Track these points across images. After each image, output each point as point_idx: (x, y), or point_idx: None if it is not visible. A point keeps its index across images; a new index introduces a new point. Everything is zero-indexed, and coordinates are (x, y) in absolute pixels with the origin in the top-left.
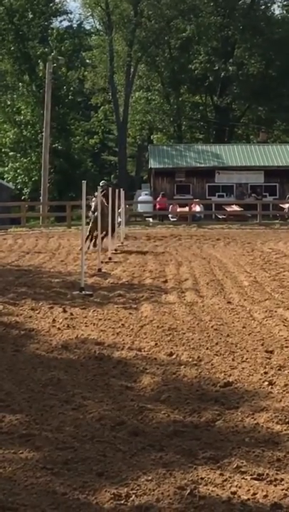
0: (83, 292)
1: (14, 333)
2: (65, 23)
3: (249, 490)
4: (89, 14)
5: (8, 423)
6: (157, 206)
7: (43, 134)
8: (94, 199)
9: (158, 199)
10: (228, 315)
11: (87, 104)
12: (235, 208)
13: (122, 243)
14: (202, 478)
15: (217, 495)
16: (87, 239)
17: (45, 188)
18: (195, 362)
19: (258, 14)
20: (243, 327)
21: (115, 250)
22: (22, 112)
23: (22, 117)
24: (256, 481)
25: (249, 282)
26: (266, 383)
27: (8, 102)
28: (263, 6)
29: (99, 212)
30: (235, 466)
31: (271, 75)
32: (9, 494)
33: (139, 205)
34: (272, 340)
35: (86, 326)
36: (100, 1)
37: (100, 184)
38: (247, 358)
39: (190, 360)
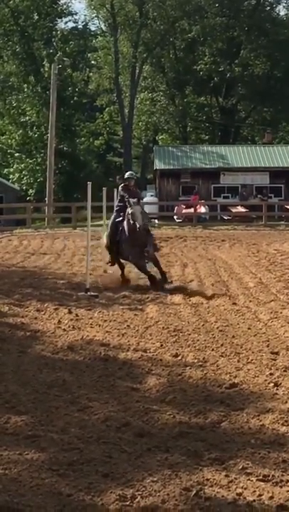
0: (88, 293)
1: (20, 335)
2: (71, 25)
3: (255, 491)
4: (94, 15)
5: (13, 424)
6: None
7: (48, 135)
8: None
9: (192, 197)
10: (233, 316)
11: (93, 105)
12: (241, 209)
13: None
14: (208, 480)
15: (223, 496)
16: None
17: (51, 189)
18: (200, 363)
19: (263, 15)
20: (249, 328)
21: None
22: (27, 113)
23: (27, 118)
24: (262, 483)
25: (254, 283)
26: (272, 384)
27: (14, 104)
28: (268, 7)
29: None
30: (240, 467)
31: (276, 75)
32: (15, 495)
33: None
34: (278, 342)
35: (91, 327)
36: (105, 3)
37: (127, 176)
38: (252, 360)
39: (195, 361)
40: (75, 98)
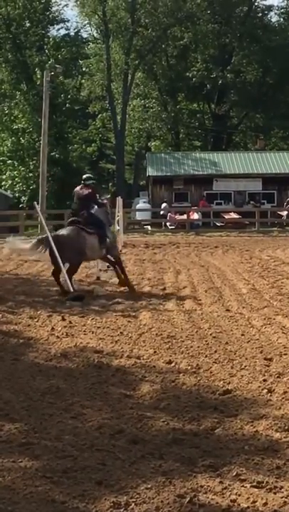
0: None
1: (13, 342)
2: (63, 32)
3: (249, 498)
4: (86, 22)
5: (7, 432)
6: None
7: (41, 142)
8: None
9: (201, 202)
10: (226, 322)
11: (85, 112)
12: (234, 215)
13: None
14: (202, 486)
15: (217, 503)
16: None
17: (43, 196)
18: (194, 370)
19: (255, 22)
20: (242, 335)
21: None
22: (18, 120)
23: (19, 126)
24: (256, 489)
25: (248, 290)
26: (265, 391)
27: (6, 111)
28: (260, 14)
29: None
30: (234, 473)
31: (268, 82)
32: (9, 503)
33: (137, 212)
34: (271, 348)
35: (85, 334)
36: (97, 10)
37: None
38: (246, 366)
39: (189, 368)
40: (68, 105)
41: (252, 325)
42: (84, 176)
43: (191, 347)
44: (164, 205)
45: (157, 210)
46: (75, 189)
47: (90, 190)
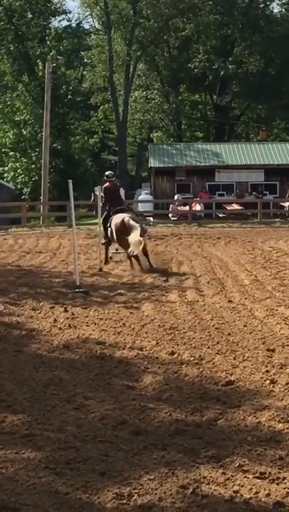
0: (78, 290)
1: (16, 334)
2: (64, 23)
3: (251, 489)
4: (88, 14)
5: (10, 423)
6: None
7: (43, 133)
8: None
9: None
10: (229, 314)
11: (87, 103)
12: (236, 206)
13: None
14: (204, 477)
15: (219, 494)
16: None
17: (46, 187)
18: (196, 361)
19: (257, 12)
20: (244, 326)
21: (116, 250)
22: (21, 112)
23: (21, 117)
24: (258, 480)
25: (250, 281)
26: (268, 382)
27: (8, 102)
28: (262, 5)
29: None
30: (237, 464)
31: (270, 73)
32: (12, 494)
33: (139, 204)
34: (274, 339)
35: (87, 325)
36: (99, 1)
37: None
38: (248, 357)
39: (191, 359)
40: (69, 96)
41: (254, 316)
42: (107, 173)
43: (194, 338)
44: (176, 196)
45: (159, 202)
46: (105, 185)
47: (119, 184)
